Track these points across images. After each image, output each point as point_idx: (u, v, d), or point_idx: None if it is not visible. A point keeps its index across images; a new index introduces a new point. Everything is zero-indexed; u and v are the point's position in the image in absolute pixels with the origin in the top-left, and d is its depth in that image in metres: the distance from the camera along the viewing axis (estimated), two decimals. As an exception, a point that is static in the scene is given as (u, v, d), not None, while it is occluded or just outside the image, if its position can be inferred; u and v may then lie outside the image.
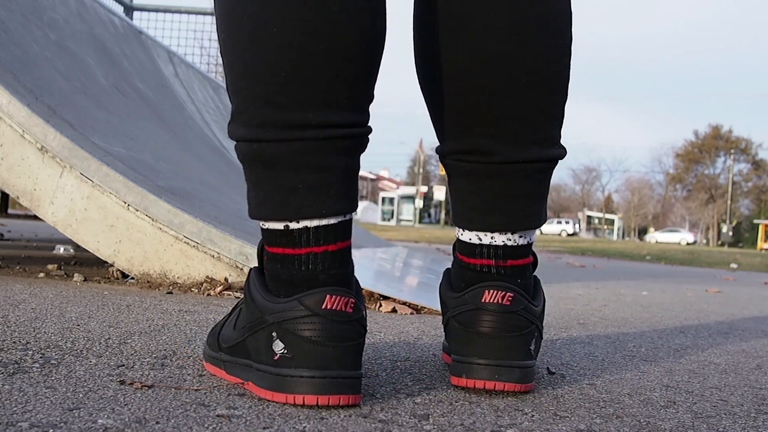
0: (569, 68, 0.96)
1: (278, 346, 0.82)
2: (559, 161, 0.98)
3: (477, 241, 0.97)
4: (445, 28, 0.92)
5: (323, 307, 0.81)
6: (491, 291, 0.92)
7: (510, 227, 0.95)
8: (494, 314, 0.92)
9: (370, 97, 0.88)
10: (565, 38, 0.94)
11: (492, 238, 0.96)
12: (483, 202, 0.96)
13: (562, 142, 0.98)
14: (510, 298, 0.92)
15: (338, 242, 0.86)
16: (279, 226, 0.86)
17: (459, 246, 1.00)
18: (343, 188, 0.86)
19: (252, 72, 0.83)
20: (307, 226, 0.85)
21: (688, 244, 42.14)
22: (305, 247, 0.85)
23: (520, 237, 0.96)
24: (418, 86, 1.00)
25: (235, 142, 0.89)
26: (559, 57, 0.94)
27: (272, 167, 0.85)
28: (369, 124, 0.88)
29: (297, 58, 0.81)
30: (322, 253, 0.85)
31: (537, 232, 1.06)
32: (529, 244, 0.98)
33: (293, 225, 0.85)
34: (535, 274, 1.02)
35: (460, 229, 0.99)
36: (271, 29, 0.81)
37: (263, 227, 0.88)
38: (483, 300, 0.92)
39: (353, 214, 0.90)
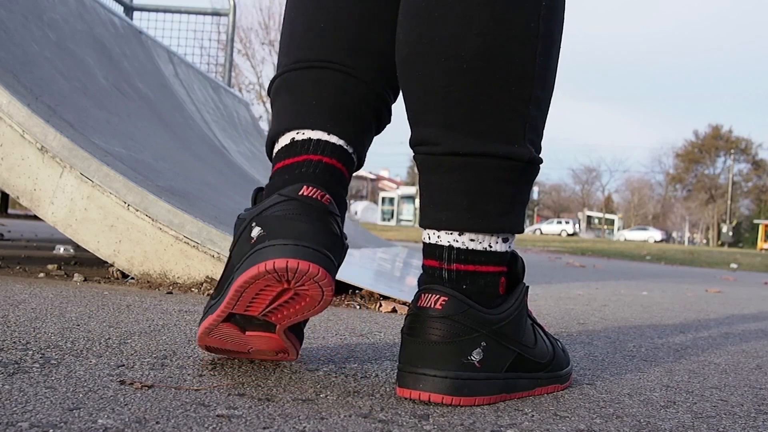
0: (534, 59, 0.87)
1: (255, 231, 0.85)
2: (524, 163, 0.89)
3: (427, 240, 0.92)
4: (403, 14, 0.91)
5: (300, 193, 0.87)
6: (426, 295, 0.87)
7: (454, 226, 0.89)
8: (424, 319, 0.86)
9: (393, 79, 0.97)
10: (524, 25, 0.86)
11: (438, 237, 0.90)
12: (432, 197, 0.91)
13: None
14: (443, 302, 0.85)
15: (335, 159, 0.93)
16: (287, 140, 0.94)
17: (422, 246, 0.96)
18: (353, 125, 0.95)
19: (295, 30, 0.98)
20: (310, 138, 0.93)
21: (656, 241, 42.54)
22: (303, 155, 0.93)
23: (471, 240, 0.89)
24: None
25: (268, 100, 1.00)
26: (515, 44, 0.86)
27: (294, 90, 0.95)
28: (391, 107, 1.00)
29: (333, 15, 0.95)
30: (316, 161, 0.92)
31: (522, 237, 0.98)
32: (488, 252, 0.90)
33: (298, 136, 0.93)
34: (524, 282, 0.96)
35: (421, 226, 0.95)
36: None
37: (275, 153, 0.96)
38: (419, 304, 0.87)
39: (355, 159, 0.96)
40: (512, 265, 0.94)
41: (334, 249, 0.86)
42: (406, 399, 0.87)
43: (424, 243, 0.93)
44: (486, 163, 0.87)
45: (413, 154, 0.94)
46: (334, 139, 0.93)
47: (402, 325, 0.90)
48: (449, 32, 0.86)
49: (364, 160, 0.99)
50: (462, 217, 0.88)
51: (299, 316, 0.90)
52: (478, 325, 0.86)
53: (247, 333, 0.92)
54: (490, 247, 0.90)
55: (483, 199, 0.88)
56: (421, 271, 0.94)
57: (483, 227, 0.89)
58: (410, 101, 0.92)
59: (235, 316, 0.90)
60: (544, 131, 0.94)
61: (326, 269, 0.83)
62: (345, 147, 0.94)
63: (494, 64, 0.85)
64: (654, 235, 46.84)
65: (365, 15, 0.97)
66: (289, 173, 0.91)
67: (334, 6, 0.96)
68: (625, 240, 38.95)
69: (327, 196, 0.88)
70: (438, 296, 0.86)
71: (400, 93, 0.96)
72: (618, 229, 51.76)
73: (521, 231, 0.92)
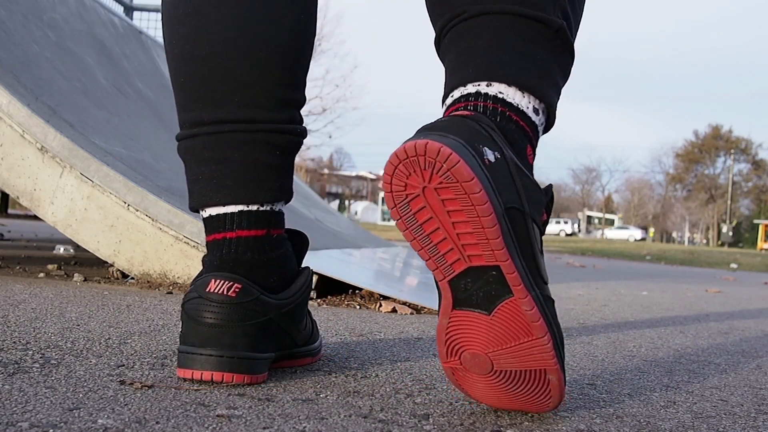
0: None
1: (179, 325, 0.86)
2: (557, 34, 0.84)
3: (450, 100, 0.84)
4: None
5: (206, 290, 0.89)
6: (456, 105, 0.81)
7: (482, 75, 0.82)
8: (448, 118, 0.80)
9: (275, 96, 0.95)
10: None
11: (464, 88, 0.83)
12: (457, 62, 0.85)
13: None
14: (470, 110, 0.79)
15: (239, 230, 0.94)
16: (206, 214, 0.96)
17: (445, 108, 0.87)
18: (245, 178, 0.94)
19: (173, 82, 0.98)
20: (210, 214, 0.95)
21: (636, 240, 43.29)
22: (210, 234, 0.95)
23: (501, 93, 0.82)
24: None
25: None
26: None
27: (185, 163, 0.98)
28: (275, 120, 0.95)
29: (188, 65, 0.95)
30: (221, 240, 0.94)
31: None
32: (518, 108, 0.82)
33: (203, 213, 0.96)
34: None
35: (442, 104, 0.87)
36: (171, 42, 0.96)
37: (203, 219, 0.98)
38: (445, 114, 0.82)
39: (272, 205, 0.96)
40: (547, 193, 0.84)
41: (255, 342, 0.90)
42: (406, 399, 0.87)
43: (444, 107, 0.85)
44: (513, 20, 0.83)
45: (442, 42, 0.89)
46: (233, 208, 0.94)
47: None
48: None
49: (291, 193, 1.00)
50: (490, 66, 0.82)
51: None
52: (496, 136, 0.78)
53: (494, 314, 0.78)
54: (520, 107, 0.82)
55: (512, 54, 0.83)
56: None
57: (512, 78, 0.82)
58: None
59: (458, 287, 0.79)
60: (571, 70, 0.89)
61: (234, 371, 0.88)
62: (247, 208, 0.94)
63: None
64: (634, 233, 47.87)
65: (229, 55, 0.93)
66: (211, 254, 0.94)
67: (184, 54, 0.95)
68: (607, 239, 39.46)
69: (235, 286, 0.89)
70: (466, 105, 0.81)
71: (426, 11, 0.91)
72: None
73: (554, 108, 0.86)
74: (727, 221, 45.48)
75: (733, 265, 10.84)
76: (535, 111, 0.84)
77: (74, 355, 0.99)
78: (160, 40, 4.68)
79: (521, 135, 0.82)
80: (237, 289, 0.89)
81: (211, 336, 0.87)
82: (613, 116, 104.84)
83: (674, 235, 58.70)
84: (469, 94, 0.82)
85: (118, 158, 2.12)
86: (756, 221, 45.51)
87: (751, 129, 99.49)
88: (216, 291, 0.89)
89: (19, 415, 0.70)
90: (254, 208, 0.94)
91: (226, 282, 0.89)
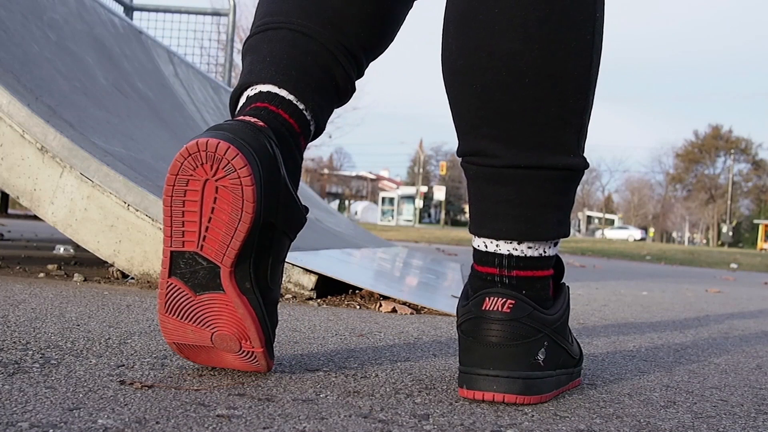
0: (589, 72, 0.90)
1: None
2: (579, 172, 0.93)
3: (484, 248, 0.93)
4: (454, 24, 0.92)
5: (483, 308, 0.90)
6: (492, 298, 0.89)
7: (515, 236, 0.91)
8: (493, 322, 0.88)
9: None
10: (580, 39, 0.88)
11: (497, 246, 0.92)
12: (490, 208, 0.92)
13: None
14: (511, 305, 0.88)
15: (282, 110, 0.94)
16: (243, 99, 0.97)
17: (473, 253, 0.96)
18: (305, 82, 0.96)
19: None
20: (260, 91, 0.95)
21: (635, 240, 43.34)
22: (252, 104, 0.95)
23: (529, 248, 0.91)
24: (441, 89, 0.99)
25: None
26: (573, 58, 0.88)
27: (251, 52, 0.99)
28: (351, 73, 1.00)
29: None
30: (263, 107, 0.94)
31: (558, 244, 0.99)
32: (543, 257, 0.93)
33: (251, 92, 0.96)
34: (563, 281, 0.99)
35: (473, 235, 0.96)
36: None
37: (236, 114, 0.98)
38: (483, 308, 0.89)
39: (308, 118, 0.96)
40: (556, 265, 0.98)
41: (254, 145, 0.86)
42: (406, 399, 0.87)
43: (477, 251, 0.94)
44: (546, 176, 0.90)
45: (462, 162, 0.95)
46: (283, 93, 0.94)
47: (459, 328, 0.91)
48: (508, 46, 0.87)
49: (322, 127, 1.00)
50: (522, 227, 0.91)
51: (231, 235, 0.86)
52: (541, 326, 0.90)
53: (199, 296, 0.88)
54: (545, 252, 0.93)
55: (542, 209, 0.91)
56: (471, 277, 0.95)
57: (542, 236, 0.92)
58: (463, 112, 0.93)
59: (179, 263, 0.88)
60: None
61: (239, 150, 0.83)
62: (295, 102, 0.95)
63: (554, 79, 0.88)
64: (634, 233, 47.90)
65: None
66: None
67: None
68: (606, 239, 39.48)
69: (260, 123, 0.90)
70: (504, 299, 0.88)
71: (447, 102, 0.95)
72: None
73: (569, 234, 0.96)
74: (727, 221, 45.50)
75: (733, 265, 10.84)
76: (555, 244, 0.95)
77: (74, 355, 0.99)
78: (160, 40, 4.68)
79: (545, 282, 0.94)
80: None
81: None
82: (613, 116, 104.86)
83: (674, 235, 58.73)
84: (502, 257, 0.91)
85: (118, 158, 2.12)
86: (756, 221, 45.56)
87: (751, 129, 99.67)
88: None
89: (19, 415, 0.70)
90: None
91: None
